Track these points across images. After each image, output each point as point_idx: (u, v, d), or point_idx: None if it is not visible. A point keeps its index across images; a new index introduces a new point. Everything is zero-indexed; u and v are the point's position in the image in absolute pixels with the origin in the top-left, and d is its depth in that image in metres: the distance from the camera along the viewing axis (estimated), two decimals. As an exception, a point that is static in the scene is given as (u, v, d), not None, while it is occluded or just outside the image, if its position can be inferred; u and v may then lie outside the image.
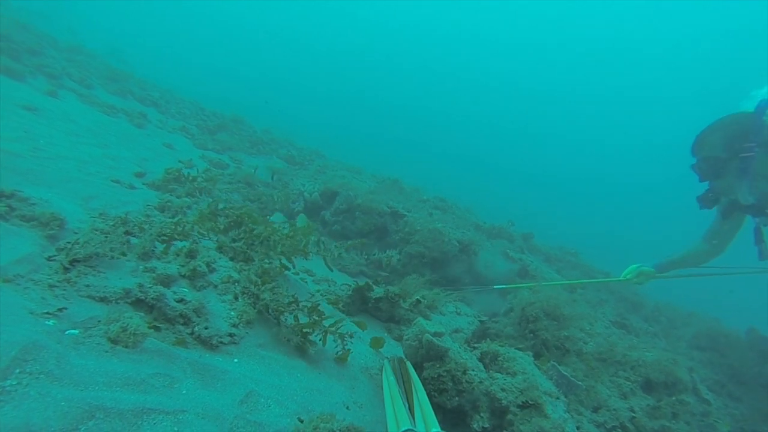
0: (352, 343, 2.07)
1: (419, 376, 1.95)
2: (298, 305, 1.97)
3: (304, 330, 1.92)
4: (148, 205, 2.95)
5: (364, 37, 55.79)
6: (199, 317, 1.69)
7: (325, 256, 2.84)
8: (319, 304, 2.02)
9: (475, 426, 1.86)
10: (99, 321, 1.41)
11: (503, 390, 1.94)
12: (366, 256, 4.21)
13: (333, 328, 1.98)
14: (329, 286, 3.12)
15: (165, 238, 2.16)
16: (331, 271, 2.93)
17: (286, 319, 1.95)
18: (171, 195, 3.45)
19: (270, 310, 1.95)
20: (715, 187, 2.80)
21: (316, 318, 1.97)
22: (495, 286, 3.78)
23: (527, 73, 52.91)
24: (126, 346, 1.34)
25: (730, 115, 2.72)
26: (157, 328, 1.55)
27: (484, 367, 2.12)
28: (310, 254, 2.66)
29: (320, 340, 1.97)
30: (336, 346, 2.00)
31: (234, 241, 2.47)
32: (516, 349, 2.36)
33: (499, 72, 54.26)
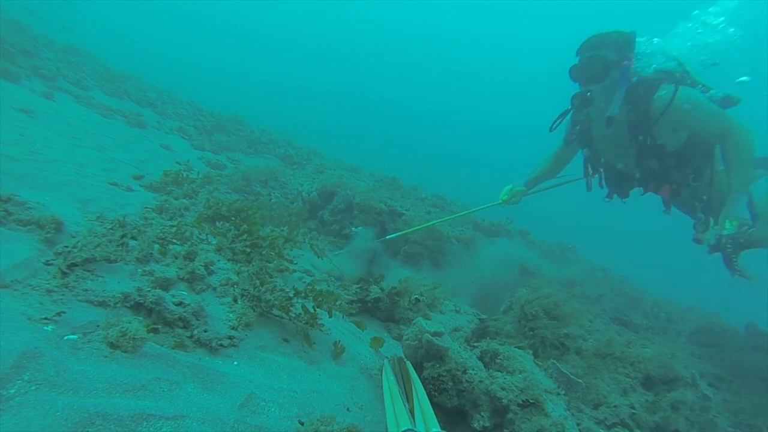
0: (353, 315, 2.13)
1: (419, 376, 1.95)
2: (300, 294, 2.00)
3: (314, 312, 2.00)
4: (146, 207, 2.94)
5: (362, 37, 55.66)
6: (198, 320, 1.69)
7: (312, 244, 2.89)
8: (322, 292, 2.08)
9: (475, 425, 1.86)
10: (98, 326, 1.40)
11: (503, 389, 1.94)
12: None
13: (337, 304, 2.08)
14: (328, 286, 3.12)
15: (164, 241, 2.15)
16: (320, 258, 2.98)
17: (295, 310, 1.98)
18: (169, 197, 3.44)
19: (275, 309, 1.96)
20: (594, 90, 2.97)
21: (322, 299, 2.06)
22: (387, 237, 3.83)
23: (525, 70, 52.87)
24: (125, 351, 1.33)
25: (614, 30, 2.97)
26: (156, 331, 1.55)
27: (484, 366, 2.12)
28: (299, 243, 2.71)
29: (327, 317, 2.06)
30: (341, 321, 2.07)
31: (233, 242, 2.47)
32: (516, 347, 2.37)
33: (497, 69, 54.21)
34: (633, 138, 3.01)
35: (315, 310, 2.03)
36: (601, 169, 3.43)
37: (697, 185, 3.17)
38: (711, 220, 3.13)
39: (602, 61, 2.91)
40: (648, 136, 2.95)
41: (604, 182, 3.46)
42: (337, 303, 2.04)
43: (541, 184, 3.85)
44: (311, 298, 2.05)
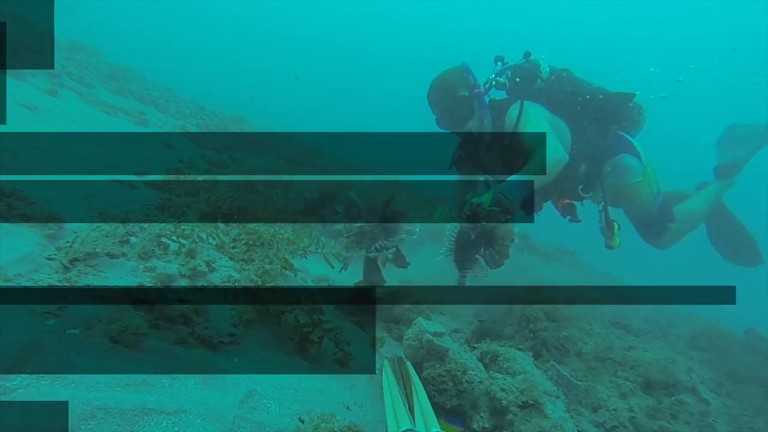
0: (348, 347, 2.03)
1: (419, 376, 1.95)
2: (298, 305, 1.98)
3: (304, 330, 1.92)
4: (148, 205, 2.94)
5: (365, 37, 55.73)
6: (200, 317, 1.69)
7: (325, 254, 2.84)
8: (320, 306, 2.03)
9: (475, 426, 1.86)
10: (99, 320, 1.40)
11: (503, 390, 1.94)
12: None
13: (332, 333, 1.96)
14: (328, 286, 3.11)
15: (165, 237, 2.15)
16: (333, 267, 2.92)
17: (287, 319, 1.95)
18: (171, 194, 3.45)
19: (270, 310, 1.95)
20: (471, 127, 3.02)
21: (317, 318, 1.97)
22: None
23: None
24: (127, 346, 1.34)
25: (448, 69, 3.06)
26: (157, 327, 1.55)
27: (484, 367, 2.12)
28: (310, 253, 2.68)
29: (318, 339, 1.95)
30: (335, 353, 1.99)
31: (234, 241, 2.47)
32: (516, 349, 2.37)
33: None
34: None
35: (309, 329, 1.93)
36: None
37: (590, 195, 3.21)
38: (616, 224, 3.14)
39: (463, 100, 2.94)
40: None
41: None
42: (331, 332, 1.98)
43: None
44: (306, 312, 2.00)
